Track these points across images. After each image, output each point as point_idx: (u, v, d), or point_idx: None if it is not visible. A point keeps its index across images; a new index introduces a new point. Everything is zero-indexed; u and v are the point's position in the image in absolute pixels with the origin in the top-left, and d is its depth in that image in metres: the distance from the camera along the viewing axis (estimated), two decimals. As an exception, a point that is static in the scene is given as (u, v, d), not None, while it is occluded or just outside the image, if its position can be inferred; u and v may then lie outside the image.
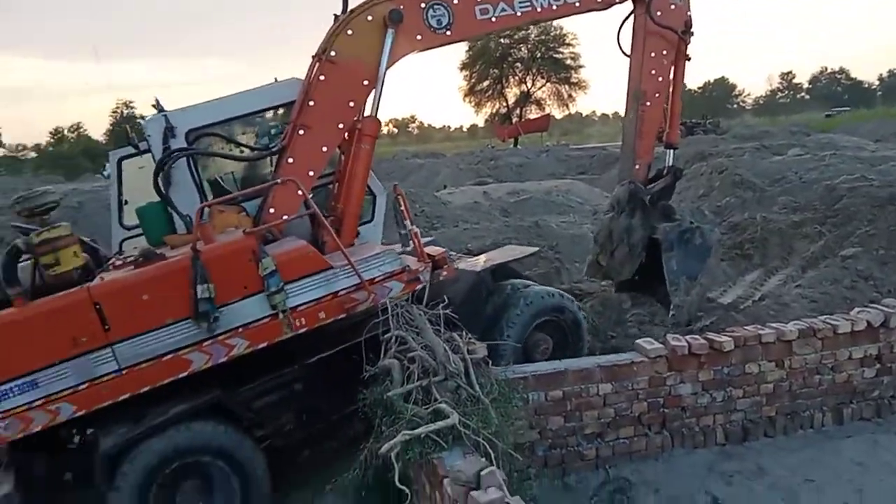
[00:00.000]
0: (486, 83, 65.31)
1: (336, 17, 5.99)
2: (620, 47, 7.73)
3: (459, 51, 64.09)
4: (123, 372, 4.75)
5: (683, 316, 7.53)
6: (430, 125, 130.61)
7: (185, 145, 5.66)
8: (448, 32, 6.27)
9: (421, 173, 30.52)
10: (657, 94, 7.66)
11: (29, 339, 4.60)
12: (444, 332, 5.11)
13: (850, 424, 5.95)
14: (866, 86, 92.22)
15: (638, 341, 5.82)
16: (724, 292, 9.43)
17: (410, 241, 6.15)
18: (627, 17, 7.58)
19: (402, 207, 6.27)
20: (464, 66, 65.03)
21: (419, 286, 5.68)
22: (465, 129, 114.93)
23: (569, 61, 63.46)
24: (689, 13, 7.62)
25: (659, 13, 7.38)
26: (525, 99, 65.47)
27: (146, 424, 4.79)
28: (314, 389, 5.55)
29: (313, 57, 5.97)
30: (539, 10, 6.74)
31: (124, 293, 4.77)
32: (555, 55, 63.21)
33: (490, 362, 5.10)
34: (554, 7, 6.78)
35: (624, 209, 7.72)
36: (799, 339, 5.79)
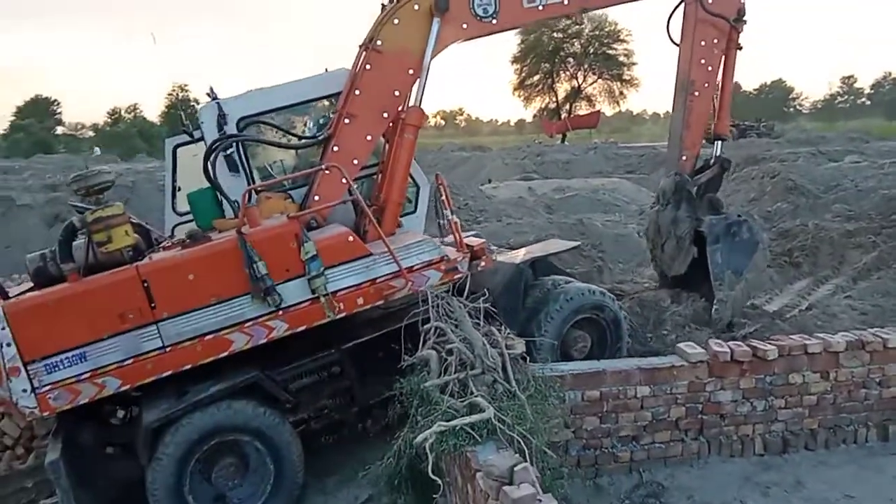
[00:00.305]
0: (536, 77, 64.82)
1: (383, 6, 6.05)
2: (670, 36, 7.60)
3: (511, 44, 63.82)
4: (167, 349, 4.90)
5: (727, 312, 7.39)
6: (477, 118, 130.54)
7: (236, 132, 5.78)
8: (494, 21, 6.25)
9: (466, 166, 30.50)
10: (706, 85, 7.50)
11: (80, 314, 4.77)
12: (483, 326, 5.13)
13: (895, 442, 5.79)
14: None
15: (679, 345, 5.74)
16: (770, 300, 9.24)
17: (450, 231, 6.19)
18: (679, 5, 7.45)
19: (444, 197, 6.32)
20: (515, 60, 64.66)
21: (457, 276, 5.72)
22: (512, 124, 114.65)
23: (622, 58, 62.59)
24: (742, 0, 7.44)
25: (710, 0, 7.23)
26: (575, 95, 64.80)
27: (188, 401, 4.94)
28: (351, 374, 5.63)
29: (360, 46, 6.04)
30: None
31: (170, 272, 4.92)
32: (608, 51, 62.37)
33: (528, 358, 5.10)
34: None
35: (669, 201, 7.61)
36: (846, 352, 5.65)
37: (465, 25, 6.18)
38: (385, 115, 5.99)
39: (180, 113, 7.18)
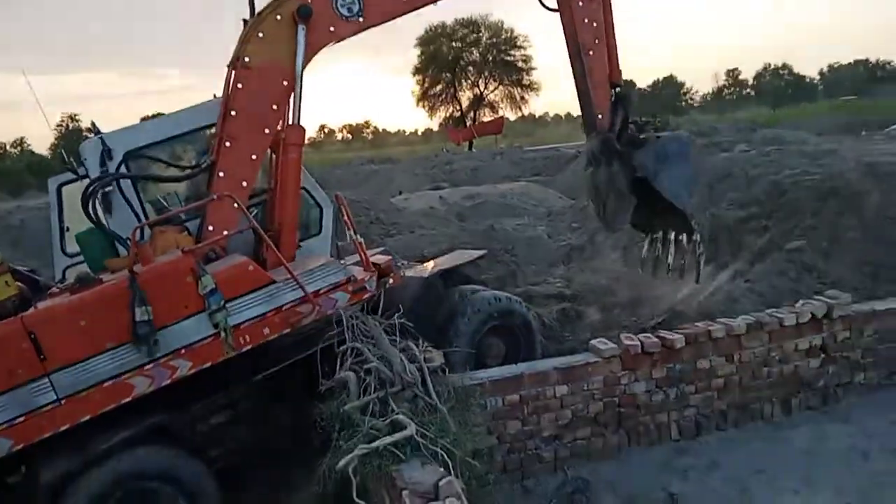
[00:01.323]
0: (438, 87, 65.36)
1: (245, 21, 5.86)
2: (543, 3, 7.45)
3: (412, 56, 64.17)
4: (62, 402, 4.60)
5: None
6: (384, 130, 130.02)
7: (123, 168, 5.54)
8: (361, 19, 6.12)
9: (376, 179, 30.38)
10: (597, 41, 7.45)
11: None
12: (400, 342, 5.12)
13: (798, 414, 6.13)
14: (808, 80, 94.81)
15: (592, 342, 5.90)
16: (675, 289, 9.60)
17: (355, 251, 6.09)
18: None
19: (346, 217, 6.19)
20: (416, 71, 65.04)
21: (366, 296, 5.65)
22: (419, 134, 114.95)
23: (520, 63, 63.91)
24: None
25: None
26: (478, 102, 65.67)
27: (88, 453, 4.65)
28: (263, 407, 5.49)
29: (228, 66, 5.82)
30: None
31: (59, 320, 4.65)
32: (506, 58, 63.59)
33: (447, 370, 5.12)
34: None
35: (601, 161, 7.59)
36: (747, 334, 5.96)
37: (332, 28, 6.01)
38: (267, 131, 5.79)
39: (61, 151, 6.81)
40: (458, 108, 66.07)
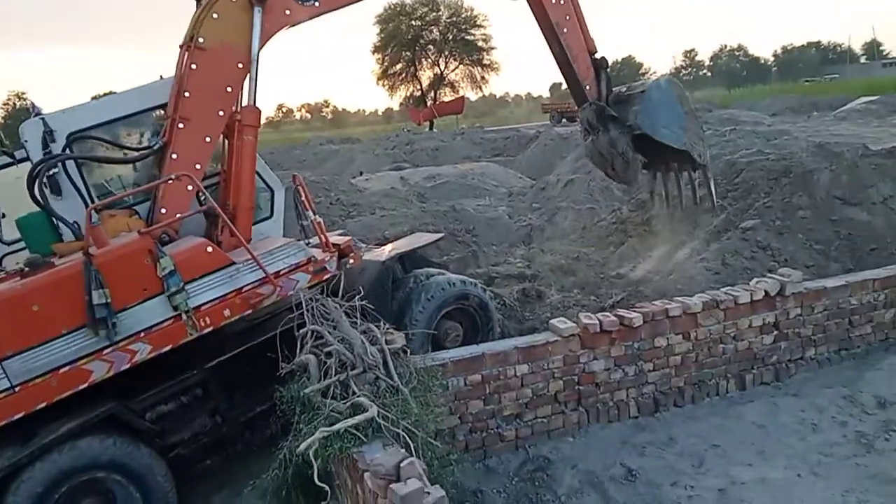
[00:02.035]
0: (399, 66, 64.94)
1: (198, 2, 5.79)
2: None
3: (371, 33, 63.47)
4: (17, 389, 4.49)
5: (701, 150, 8.48)
6: (344, 109, 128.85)
7: (66, 149, 5.37)
8: (317, 3, 6.14)
9: (336, 160, 30.09)
10: (567, 17, 7.91)
11: None
12: (361, 324, 5.10)
13: (752, 389, 6.28)
14: (763, 62, 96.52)
15: (552, 321, 5.95)
16: (633, 268, 9.74)
17: (314, 232, 6.07)
18: None
19: (304, 197, 6.14)
20: (376, 49, 64.44)
21: (326, 276, 5.63)
22: (380, 113, 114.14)
23: (480, 43, 63.80)
24: None
25: None
26: (439, 82, 65.46)
27: (36, 444, 4.53)
28: (218, 393, 5.42)
29: (181, 46, 5.75)
30: None
31: (10, 305, 4.51)
32: (466, 37, 63.36)
33: (409, 351, 5.12)
34: None
35: (598, 128, 8.27)
36: (703, 312, 6.06)
37: (288, 12, 5.99)
38: (221, 113, 5.73)
39: None
40: (418, 87, 65.75)
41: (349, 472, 4.16)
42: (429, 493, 3.36)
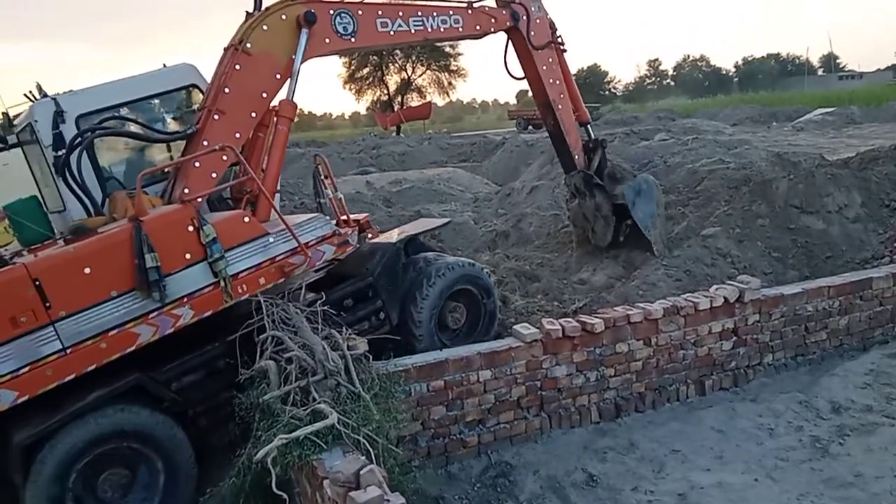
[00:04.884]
0: (366, 70, 64.69)
1: (248, 13, 6.35)
2: (509, 72, 8.72)
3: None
4: (68, 351, 4.53)
5: (661, 246, 9.46)
6: (310, 112, 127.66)
7: (75, 131, 5.51)
8: (353, 39, 6.80)
9: (302, 162, 29.77)
10: (562, 95, 8.94)
11: None
12: (323, 329, 5.06)
13: (712, 395, 6.36)
14: (724, 72, 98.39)
15: (515, 327, 5.97)
16: (594, 273, 9.81)
17: (331, 210, 6.51)
18: (508, 45, 8.58)
19: (324, 176, 6.58)
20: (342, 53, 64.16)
21: (349, 249, 6.03)
22: (347, 117, 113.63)
23: (448, 49, 63.81)
24: (548, 17, 8.65)
25: (533, 34, 8.42)
26: (406, 86, 65.39)
27: (62, 412, 4.53)
28: (238, 366, 5.41)
29: (225, 49, 6.24)
30: (429, 30, 7.51)
31: (65, 268, 4.57)
32: (434, 42, 63.43)
33: (371, 357, 5.08)
34: (441, 29, 7.57)
35: (585, 193, 9.37)
36: (664, 318, 6.13)
37: (327, 40, 6.60)
38: (253, 114, 6.11)
39: None
40: (385, 91, 65.59)
41: (308, 479, 4.11)
42: (389, 500, 3.33)
